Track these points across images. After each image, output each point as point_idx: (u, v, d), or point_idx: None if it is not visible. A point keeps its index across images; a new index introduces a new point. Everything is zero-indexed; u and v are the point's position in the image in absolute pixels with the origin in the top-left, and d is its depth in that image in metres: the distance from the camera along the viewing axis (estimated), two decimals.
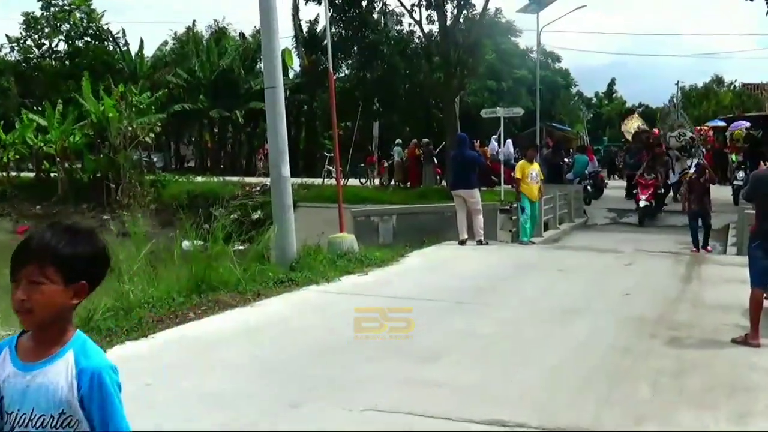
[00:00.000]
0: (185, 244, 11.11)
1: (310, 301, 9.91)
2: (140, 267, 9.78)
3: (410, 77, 32.68)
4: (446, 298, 10.05)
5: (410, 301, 9.74)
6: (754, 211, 8.50)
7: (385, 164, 34.50)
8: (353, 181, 35.12)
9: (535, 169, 17.46)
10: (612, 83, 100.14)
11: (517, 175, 17.23)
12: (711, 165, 22.55)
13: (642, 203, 23.48)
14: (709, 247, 17.40)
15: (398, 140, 36.87)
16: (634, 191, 24.62)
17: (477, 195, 16.43)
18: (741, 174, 26.63)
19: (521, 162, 17.72)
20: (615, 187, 31.98)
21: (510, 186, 29.02)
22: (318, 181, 33.49)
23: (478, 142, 32.46)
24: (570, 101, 73.70)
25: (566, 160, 32.35)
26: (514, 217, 19.07)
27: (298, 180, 30.10)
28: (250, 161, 54.84)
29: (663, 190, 24.71)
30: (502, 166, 27.13)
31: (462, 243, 16.14)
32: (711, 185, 17.96)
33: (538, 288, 11.19)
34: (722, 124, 39.88)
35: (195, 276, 10.00)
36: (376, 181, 35.48)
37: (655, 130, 31.78)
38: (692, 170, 27.21)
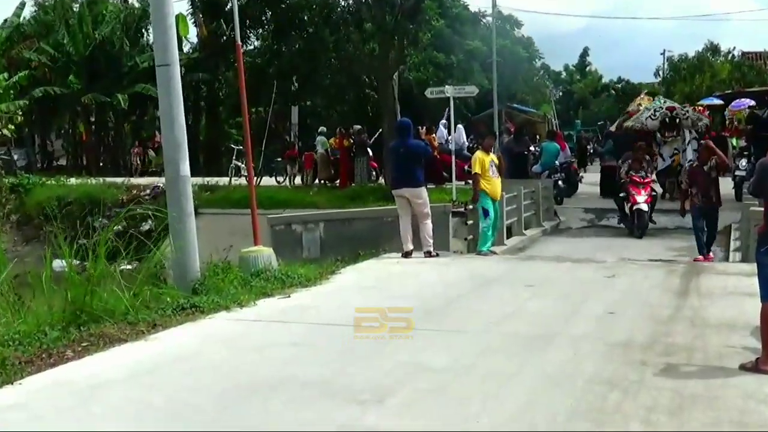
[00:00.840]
0: (57, 264, 10.93)
1: (219, 331, 9.84)
2: (1, 294, 9.60)
3: (337, 49, 32.71)
4: (389, 324, 10.06)
5: (346, 328, 9.74)
6: (761, 209, 8.63)
7: (315, 156, 34.36)
8: (268, 180, 35.01)
9: (493, 161, 17.60)
10: (585, 54, 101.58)
11: (476, 169, 17.28)
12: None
13: (642, 207, 22.58)
14: (711, 255, 17.61)
15: (322, 128, 36.84)
16: (621, 194, 23.66)
17: (424, 195, 16.50)
18: (744, 162, 27.01)
19: (478, 153, 17.74)
20: (592, 183, 32.34)
21: (463, 183, 29.33)
22: (223, 180, 33.29)
23: (425, 129, 32.61)
24: (534, 77, 74.40)
25: (532, 148, 32.67)
26: (470, 222, 19.20)
27: (199, 179, 29.90)
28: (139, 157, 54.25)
29: (656, 193, 24.24)
30: (454, 158, 27.29)
31: (406, 255, 16.19)
32: (720, 175, 17.79)
33: (503, 309, 11.26)
34: (719, 102, 40.53)
35: (72, 304, 9.85)
36: (297, 180, 35.41)
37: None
38: (689, 153, 27.67)
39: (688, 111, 29.11)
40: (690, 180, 17.53)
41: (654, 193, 23.55)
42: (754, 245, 15.37)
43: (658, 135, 28.78)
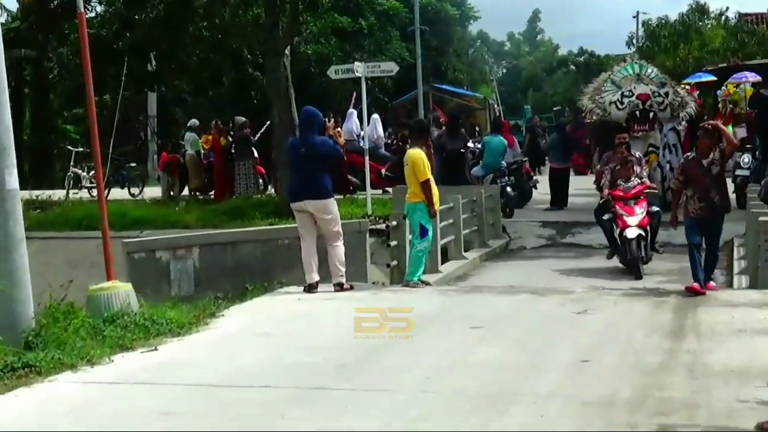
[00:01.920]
0: None
1: (63, 398, 9.73)
2: None
3: (208, 17, 32.57)
4: (291, 383, 10.10)
5: (236, 391, 9.70)
6: None
7: (182, 159, 34.01)
8: (118, 192, 34.63)
9: None
10: (535, 18, 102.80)
11: (426, 173, 16.96)
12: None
13: (631, 232, 20.18)
14: (713, 283, 16.79)
15: (192, 121, 36.58)
16: (606, 216, 21.26)
17: (334, 208, 16.53)
18: (746, 158, 27.14)
19: (418, 151, 17.42)
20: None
21: (380, 191, 29.34)
22: (58, 193, 32.94)
23: (333, 121, 32.61)
24: (469, 48, 75.06)
25: (470, 145, 32.77)
26: (393, 243, 19.20)
27: (25, 193, 29.47)
28: None
29: (657, 209, 21.28)
30: (367, 159, 27.29)
31: (311, 289, 16.18)
32: (724, 170, 16.55)
33: (442, 359, 11.30)
34: (711, 78, 41.10)
35: None
36: (149, 190, 35.04)
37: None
38: (671, 142, 27.53)
39: (667, 94, 27.55)
40: (684, 178, 16.45)
41: (654, 210, 21.06)
42: (765, 266, 15.67)
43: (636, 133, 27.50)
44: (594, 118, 28.21)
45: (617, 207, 20.55)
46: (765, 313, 12.98)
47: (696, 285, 15.69)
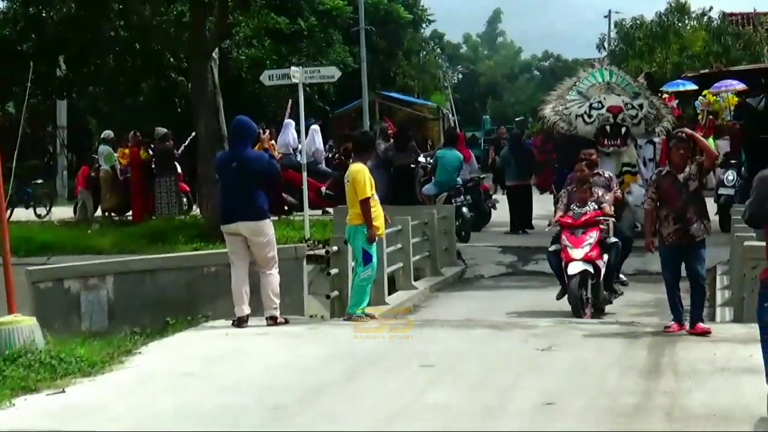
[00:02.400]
0: None
1: None
2: None
3: (126, 15, 32.48)
4: (217, 429, 10.07)
5: None
6: (761, 244, 8.81)
7: (94, 173, 33.78)
8: (23, 213, 34.39)
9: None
10: (495, 19, 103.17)
11: (366, 191, 16.84)
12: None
13: (573, 267, 18.75)
14: (702, 325, 15.50)
15: (107, 132, 36.35)
16: (552, 248, 19.72)
17: (270, 231, 16.41)
18: (731, 175, 26.97)
19: (360, 166, 17.33)
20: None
21: (320, 212, 29.27)
22: None
23: (267, 133, 32.51)
24: (421, 51, 75.10)
25: (422, 159, 32.75)
26: (334, 271, 19.15)
27: None
28: None
29: (617, 239, 19.67)
30: (305, 175, 27.20)
31: (240, 323, 16.08)
32: (703, 186, 15.73)
33: (389, 404, 11.27)
34: (692, 86, 41.27)
35: None
36: (60, 211, 34.79)
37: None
38: (647, 156, 27.15)
39: (642, 106, 26.64)
40: (658, 195, 15.49)
41: (611, 241, 19.47)
42: (751, 297, 15.74)
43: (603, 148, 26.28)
44: (556, 132, 27.40)
45: (563, 237, 19.11)
46: (751, 350, 12.94)
47: (674, 325, 15.26)
